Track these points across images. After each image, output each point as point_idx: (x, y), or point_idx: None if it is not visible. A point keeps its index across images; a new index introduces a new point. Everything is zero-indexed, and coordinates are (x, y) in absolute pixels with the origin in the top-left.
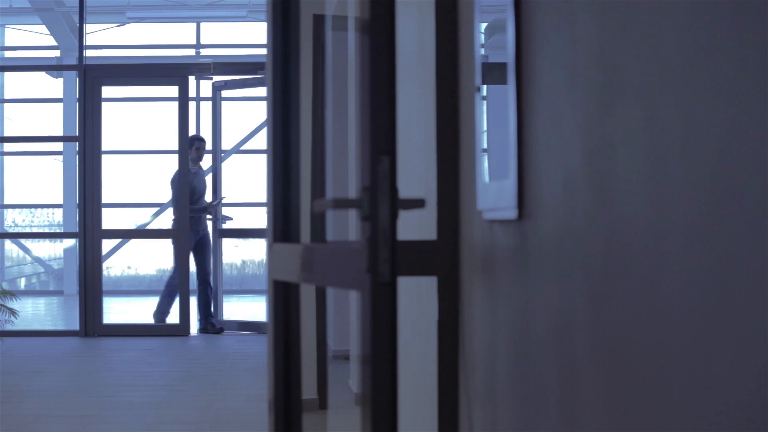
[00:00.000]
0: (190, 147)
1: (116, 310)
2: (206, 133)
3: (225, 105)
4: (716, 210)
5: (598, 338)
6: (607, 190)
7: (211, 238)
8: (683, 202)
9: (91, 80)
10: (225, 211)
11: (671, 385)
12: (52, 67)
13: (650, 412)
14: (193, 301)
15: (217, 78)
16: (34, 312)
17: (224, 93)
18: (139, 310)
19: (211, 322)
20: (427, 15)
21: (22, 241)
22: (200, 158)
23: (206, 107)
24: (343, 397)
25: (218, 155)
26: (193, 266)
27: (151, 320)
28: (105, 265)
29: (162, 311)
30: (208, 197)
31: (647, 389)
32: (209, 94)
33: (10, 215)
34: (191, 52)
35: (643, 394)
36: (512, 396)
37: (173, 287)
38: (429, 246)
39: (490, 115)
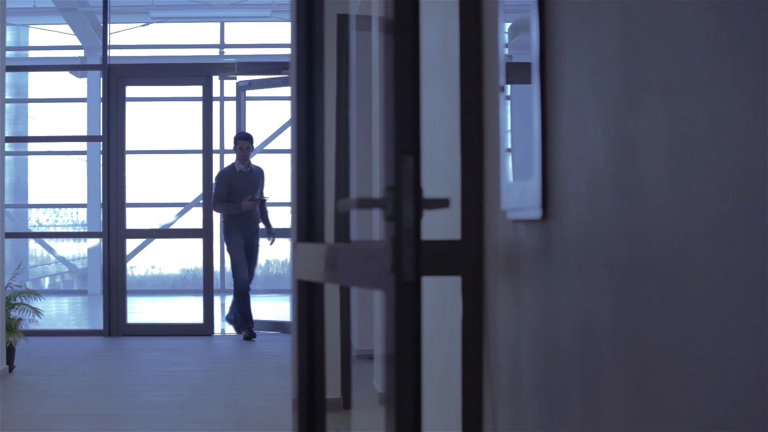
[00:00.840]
0: (234, 146)
1: (140, 310)
2: (230, 133)
3: (249, 105)
4: (741, 210)
5: (622, 339)
6: (631, 189)
7: (257, 244)
8: (708, 202)
9: (115, 80)
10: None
11: (694, 387)
12: (76, 67)
13: (673, 413)
14: (218, 300)
15: (241, 78)
16: (58, 311)
17: (248, 93)
18: (163, 310)
19: (251, 329)
20: (450, 14)
21: (46, 240)
22: (245, 157)
23: (230, 107)
24: (366, 396)
25: None
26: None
27: (174, 320)
28: (129, 264)
29: (233, 316)
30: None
31: (671, 391)
32: (233, 93)
33: (34, 215)
34: (215, 51)
35: (667, 395)
36: (536, 396)
37: (239, 291)
38: (453, 246)
39: (514, 115)
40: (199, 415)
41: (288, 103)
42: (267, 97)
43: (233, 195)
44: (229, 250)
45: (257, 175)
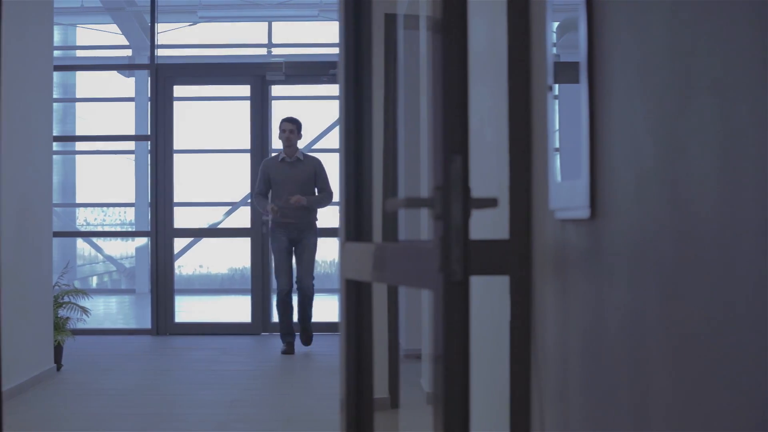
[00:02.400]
0: (279, 131)
1: (188, 309)
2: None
3: (295, 104)
4: None
5: (671, 339)
6: (680, 189)
7: (309, 243)
8: (756, 201)
9: (163, 79)
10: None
11: (745, 387)
12: (123, 67)
13: (723, 414)
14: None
15: (289, 76)
16: (106, 310)
17: (297, 92)
18: (211, 309)
19: (290, 343)
20: (498, 14)
21: (94, 239)
22: (289, 142)
23: (278, 106)
24: (414, 396)
25: None
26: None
27: (222, 319)
28: (177, 263)
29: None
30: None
31: (720, 391)
32: (281, 93)
33: (83, 214)
34: (263, 51)
35: (715, 395)
36: (584, 396)
37: (277, 300)
38: (501, 245)
39: (562, 114)
40: (247, 414)
41: (335, 103)
42: (316, 96)
43: (277, 188)
44: (272, 252)
45: (307, 167)
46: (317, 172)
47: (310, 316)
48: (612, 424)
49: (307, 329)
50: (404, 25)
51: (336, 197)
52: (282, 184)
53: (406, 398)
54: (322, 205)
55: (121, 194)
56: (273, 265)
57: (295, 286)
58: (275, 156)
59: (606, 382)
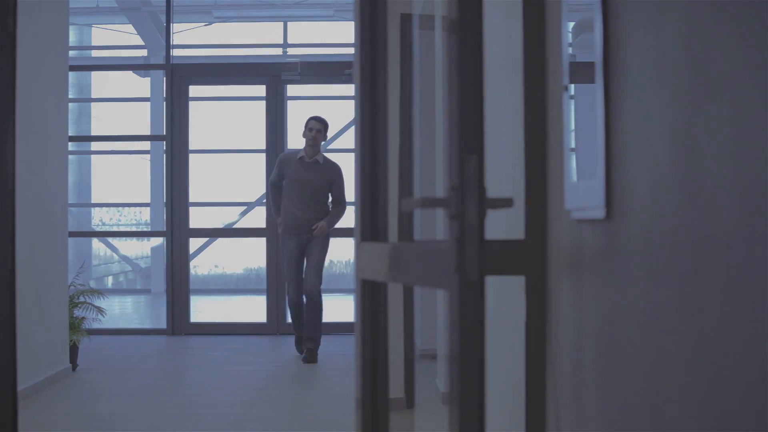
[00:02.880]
0: (304, 128)
1: (203, 309)
2: (295, 133)
3: (309, 104)
4: None
5: (687, 340)
6: (696, 189)
7: (319, 243)
8: None
9: (178, 79)
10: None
11: (761, 388)
12: (139, 67)
13: (739, 415)
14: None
15: (305, 76)
16: (121, 310)
17: (311, 92)
18: (226, 309)
19: (310, 349)
20: (514, 13)
21: (110, 239)
22: (315, 141)
23: (293, 106)
24: (430, 396)
25: None
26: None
27: (237, 319)
28: (192, 263)
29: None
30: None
31: (736, 392)
32: (296, 93)
33: (98, 214)
34: (278, 51)
35: (733, 397)
36: (600, 397)
37: (289, 307)
38: (517, 245)
39: (577, 114)
40: (262, 414)
41: (351, 103)
42: (329, 97)
43: (288, 187)
44: (283, 258)
45: (324, 173)
46: (334, 180)
47: (317, 323)
48: (628, 425)
49: (314, 338)
50: (420, 26)
51: (350, 198)
52: (294, 184)
53: (421, 398)
54: (337, 221)
55: (136, 194)
56: (285, 272)
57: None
58: (294, 152)
59: (621, 383)
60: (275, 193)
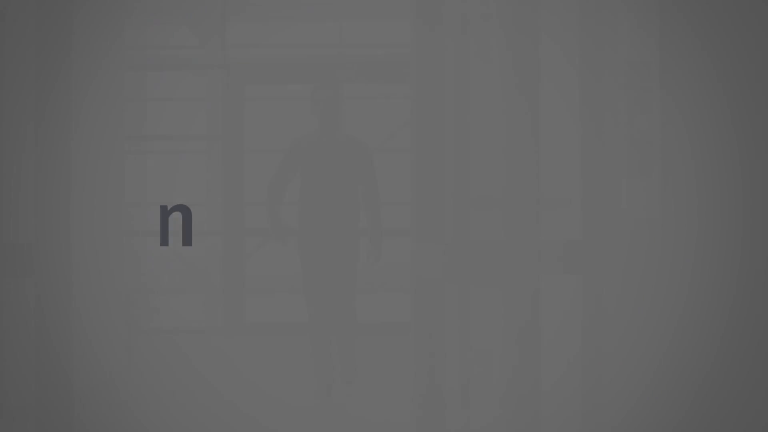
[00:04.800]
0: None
1: (260, 308)
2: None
3: (369, 103)
4: None
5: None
6: (752, 190)
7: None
8: None
9: (234, 79)
10: None
11: None
12: (195, 66)
13: None
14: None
15: (361, 76)
16: (177, 309)
17: (369, 91)
18: (282, 309)
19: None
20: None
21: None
22: (324, 117)
23: (350, 105)
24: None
25: None
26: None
27: (295, 318)
28: (248, 263)
29: None
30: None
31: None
32: (353, 93)
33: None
34: (334, 50)
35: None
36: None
37: None
38: (574, 245)
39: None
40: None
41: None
42: (386, 96)
43: (305, 182)
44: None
45: (350, 150)
46: (363, 164)
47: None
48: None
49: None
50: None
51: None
52: (320, 171)
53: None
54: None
55: (192, 194)
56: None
57: None
58: (309, 135)
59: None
60: (273, 205)
